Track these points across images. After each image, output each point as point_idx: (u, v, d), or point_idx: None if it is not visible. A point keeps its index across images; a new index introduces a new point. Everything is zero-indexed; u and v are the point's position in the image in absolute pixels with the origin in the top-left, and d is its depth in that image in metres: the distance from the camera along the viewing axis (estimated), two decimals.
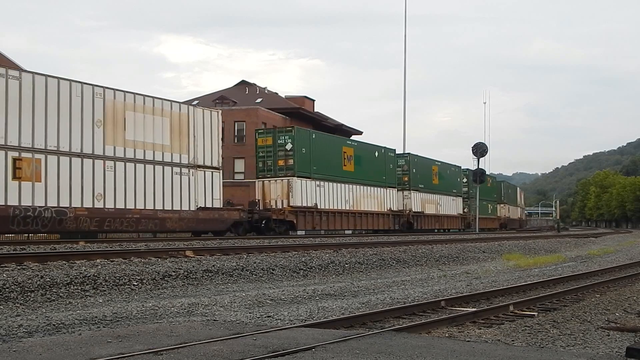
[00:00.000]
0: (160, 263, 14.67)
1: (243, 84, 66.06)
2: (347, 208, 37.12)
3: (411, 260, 20.82)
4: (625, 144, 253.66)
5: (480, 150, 54.01)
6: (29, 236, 24.43)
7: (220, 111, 29.55)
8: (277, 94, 65.82)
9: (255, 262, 16.14)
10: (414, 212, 45.20)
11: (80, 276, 12.15)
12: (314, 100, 67.19)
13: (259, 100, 60.12)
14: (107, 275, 12.59)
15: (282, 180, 32.80)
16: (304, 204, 33.06)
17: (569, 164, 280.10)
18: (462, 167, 57.16)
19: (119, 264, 14.02)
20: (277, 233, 30.88)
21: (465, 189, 57.64)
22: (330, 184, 35.62)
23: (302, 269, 16.55)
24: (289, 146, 32.91)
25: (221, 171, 28.78)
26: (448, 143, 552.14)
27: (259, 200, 32.46)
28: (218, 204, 28.17)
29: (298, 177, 32.81)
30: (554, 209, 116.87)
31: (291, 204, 32.21)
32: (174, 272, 13.82)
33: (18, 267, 12.59)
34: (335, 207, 35.88)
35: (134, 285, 12.54)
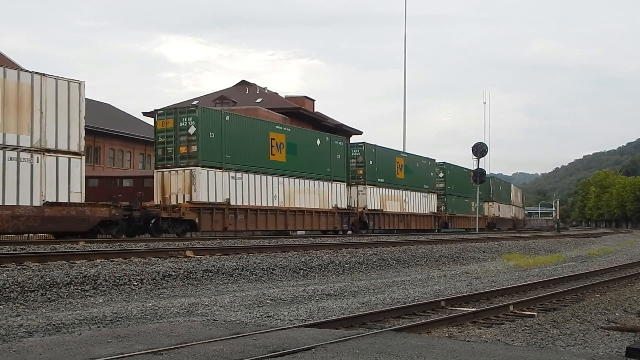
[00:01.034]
0: (160, 263, 14.67)
1: (243, 84, 66.07)
2: (276, 205, 31.17)
3: (411, 260, 20.82)
4: (625, 144, 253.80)
5: (480, 150, 53.99)
6: (29, 236, 24.41)
7: (82, 83, 23.07)
8: (277, 94, 65.83)
9: (255, 262, 16.14)
10: (370, 210, 39.39)
11: (80, 276, 12.15)
12: (314, 100, 67.18)
13: (259, 100, 60.13)
14: (107, 275, 12.59)
15: (183, 170, 27.16)
16: (212, 200, 27.46)
17: (569, 164, 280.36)
18: (436, 160, 51.56)
19: (119, 264, 14.02)
20: (176, 235, 26.06)
21: (442, 185, 52.12)
22: (251, 176, 29.77)
23: (302, 269, 16.55)
24: (192, 130, 27.16)
25: (83, 157, 23.04)
26: (448, 143, 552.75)
27: (141, 194, 26.66)
28: (78, 198, 22.49)
29: (203, 166, 27.18)
30: (554, 209, 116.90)
31: (194, 200, 26.72)
32: (174, 272, 13.82)
33: (18, 267, 12.59)
34: (258, 204, 30.03)
35: (134, 285, 12.54)
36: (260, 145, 30.90)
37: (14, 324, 8.43)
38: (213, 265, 14.97)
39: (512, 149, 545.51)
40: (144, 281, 12.87)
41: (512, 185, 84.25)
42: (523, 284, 14.40)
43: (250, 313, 9.72)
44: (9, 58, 40.78)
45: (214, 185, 27.77)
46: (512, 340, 8.20)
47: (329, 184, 35.84)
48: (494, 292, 12.70)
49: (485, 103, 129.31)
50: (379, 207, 40.56)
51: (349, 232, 36.73)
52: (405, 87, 79.50)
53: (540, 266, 20.74)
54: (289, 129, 34.41)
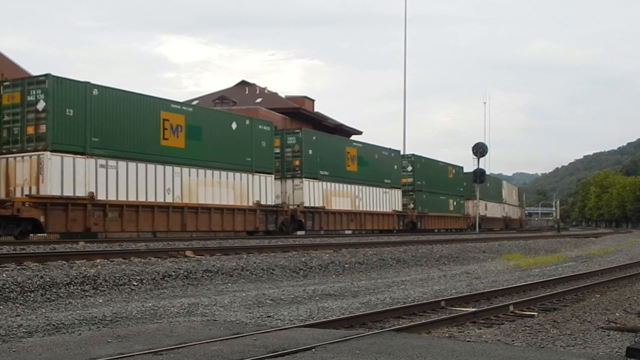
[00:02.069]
0: (160, 263, 14.67)
1: (243, 84, 66.06)
2: (169, 201, 25.43)
3: (411, 260, 20.82)
4: (625, 144, 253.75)
5: (480, 150, 53.98)
6: (28, 236, 24.33)
7: None
8: (277, 94, 65.81)
9: (255, 262, 16.14)
10: (308, 207, 33.58)
11: (80, 276, 12.14)
12: (313, 100, 67.15)
13: (259, 100, 60.12)
14: (107, 275, 12.59)
15: (30, 156, 21.67)
16: (68, 194, 21.95)
17: (569, 164, 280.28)
18: (401, 152, 45.89)
19: (119, 264, 14.01)
20: (13, 237, 20.98)
21: (410, 180, 46.11)
22: (131, 164, 24.17)
23: (302, 269, 16.55)
24: (40, 105, 21.64)
25: None
26: (448, 143, 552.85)
27: None
28: None
29: (55, 151, 21.68)
30: (554, 209, 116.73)
31: (41, 193, 21.25)
32: (174, 272, 13.81)
33: (18, 267, 12.58)
34: (142, 199, 24.41)
35: (134, 285, 12.53)
36: (148, 128, 24.84)
37: (14, 324, 8.43)
38: (213, 265, 14.97)
39: (512, 149, 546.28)
40: (144, 281, 12.87)
41: (505, 183, 77.24)
42: (523, 284, 14.39)
43: (250, 313, 9.72)
44: (9, 58, 40.73)
45: (71, 175, 22.15)
46: (512, 340, 8.19)
47: (249, 176, 29.56)
48: (494, 292, 12.70)
49: (485, 103, 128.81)
50: (320, 204, 34.57)
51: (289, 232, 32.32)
52: (405, 87, 79.78)
53: (540, 266, 20.73)
54: (191, 109, 27.86)
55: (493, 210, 65.13)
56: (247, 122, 30.40)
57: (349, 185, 37.60)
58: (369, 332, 7.79)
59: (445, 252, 23.69)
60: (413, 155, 47.70)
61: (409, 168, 46.27)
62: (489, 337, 8.44)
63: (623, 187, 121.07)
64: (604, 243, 40.79)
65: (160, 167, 25.28)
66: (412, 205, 45.81)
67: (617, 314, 10.78)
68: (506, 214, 71.58)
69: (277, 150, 33.04)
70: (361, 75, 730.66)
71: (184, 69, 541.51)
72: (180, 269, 14.15)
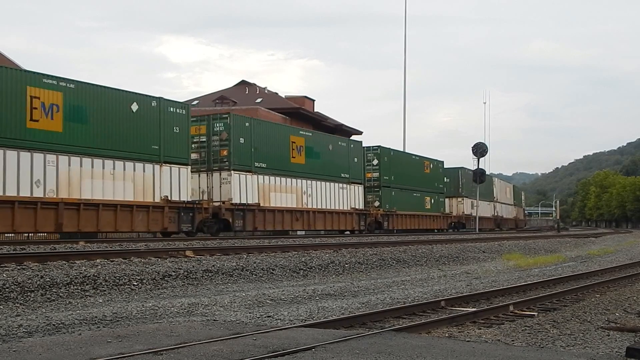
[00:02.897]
0: (160, 263, 14.67)
1: (243, 84, 66.07)
2: (39, 196, 21.03)
3: (411, 260, 20.82)
4: (625, 144, 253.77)
5: (480, 150, 53.93)
6: (29, 236, 24.36)
7: None
8: (277, 94, 65.81)
9: (255, 262, 16.14)
10: (237, 204, 28.47)
11: (80, 276, 12.15)
12: (314, 100, 67.16)
13: (259, 100, 60.13)
14: (107, 275, 12.59)
15: None
16: None
17: (569, 164, 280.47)
18: (363, 144, 40.61)
19: (119, 264, 14.02)
20: None
21: (376, 175, 41.30)
22: None
23: (302, 269, 16.55)
24: None
25: None
26: (448, 143, 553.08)
27: None
28: None
29: None
30: (554, 209, 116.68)
31: None
32: (174, 272, 13.82)
33: (18, 267, 12.58)
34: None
35: (134, 285, 12.54)
36: (7, 106, 20.59)
37: (14, 324, 8.43)
38: (213, 265, 14.98)
39: (512, 149, 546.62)
40: (144, 281, 12.87)
41: (497, 180, 70.64)
42: (523, 284, 14.40)
43: (250, 313, 9.72)
44: (10, 58, 40.76)
45: None
46: (512, 340, 8.19)
47: (156, 167, 25.26)
48: (494, 292, 12.70)
49: (485, 103, 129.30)
50: (254, 201, 29.54)
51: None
52: (405, 87, 79.50)
53: (540, 266, 20.74)
54: (73, 85, 22.56)
55: (482, 209, 59.38)
56: (154, 103, 25.53)
57: (294, 180, 32.48)
58: (369, 332, 7.80)
59: (445, 252, 23.69)
60: (379, 147, 41.92)
61: (375, 162, 41.21)
62: (488, 337, 8.44)
63: (623, 187, 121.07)
64: (604, 243, 40.80)
65: (25, 154, 20.82)
66: (377, 203, 40.62)
67: (617, 314, 10.78)
68: (497, 213, 66.82)
69: (203, 139, 28.89)
70: (361, 75, 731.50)
71: (184, 69, 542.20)
72: (180, 269, 14.16)
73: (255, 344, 6.79)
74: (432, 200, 48.55)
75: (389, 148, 43.42)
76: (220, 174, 28.72)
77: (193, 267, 14.54)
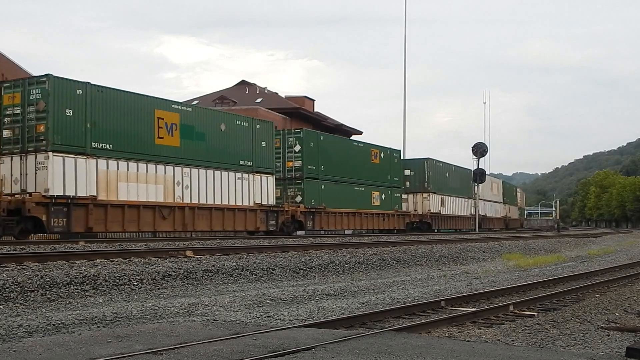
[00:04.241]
0: (160, 263, 14.67)
1: (243, 84, 66.08)
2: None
3: (411, 260, 20.82)
4: (625, 144, 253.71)
5: (480, 150, 53.86)
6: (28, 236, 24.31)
7: None
8: (277, 94, 65.82)
9: (255, 262, 16.14)
10: (54, 197, 21.20)
11: (80, 276, 12.14)
12: (314, 100, 67.16)
13: (259, 100, 60.15)
14: (107, 275, 12.59)
15: None
16: None
17: (569, 164, 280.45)
18: (274, 124, 33.69)
19: (119, 264, 14.01)
20: None
21: (298, 163, 33.58)
22: None
23: (302, 269, 16.55)
24: None
25: None
26: (448, 143, 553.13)
27: None
28: None
29: None
30: (554, 209, 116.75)
31: None
32: (174, 272, 13.81)
33: (18, 267, 12.58)
34: None
35: (134, 285, 12.53)
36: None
37: (14, 324, 8.43)
38: (213, 265, 14.97)
39: (512, 149, 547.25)
40: (144, 281, 12.87)
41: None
42: (523, 284, 14.39)
43: (250, 313, 9.72)
44: (10, 58, 40.73)
45: None
46: (512, 340, 8.19)
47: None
48: (494, 292, 12.70)
49: (485, 103, 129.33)
50: (90, 193, 22.38)
51: None
52: (405, 88, 79.54)
53: (540, 266, 20.73)
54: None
55: (456, 206, 52.72)
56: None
57: (160, 167, 25.19)
58: (369, 332, 7.79)
59: (445, 252, 23.69)
60: (303, 130, 35.03)
61: (297, 148, 33.70)
62: (488, 337, 8.44)
63: (623, 187, 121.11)
64: (604, 243, 40.79)
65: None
66: (300, 198, 33.45)
67: (617, 314, 10.78)
68: (478, 212, 57.86)
69: (18, 110, 21.81)
70: (361, 75, 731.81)
71: (184, 69, 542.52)
72: (180, 268, 14.15)
73: (255, 344, 6.79)
74: (383, 196, 40.94)
75: (316, 132, 37.33)
76: (35, 157, 21.47)
77: (193, 267, 14.53)
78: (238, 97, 60.33)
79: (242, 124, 29.74)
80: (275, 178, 32.05)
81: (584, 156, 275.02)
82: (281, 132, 34.36)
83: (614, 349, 7.83)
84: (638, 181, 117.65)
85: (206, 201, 27.19)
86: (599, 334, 8.91)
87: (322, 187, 35.10)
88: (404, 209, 44.83)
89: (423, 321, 9.13)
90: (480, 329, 9.10)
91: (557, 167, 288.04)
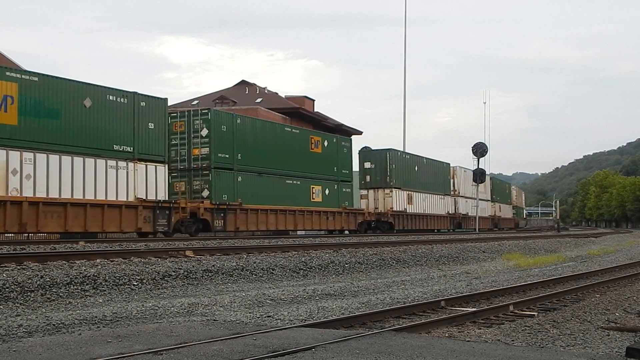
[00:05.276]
0: (160, 263, 14.67)
1: (243, 84, 66.07)
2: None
3: (411, 260, 20.82)
4: (625, 144, 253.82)
5: (480, 150, 53.79)
6: (29, 236, 24.32)
7: None
8: (277, 93, 65.79)
9: (255, 262, 16.14)
10: None
11: (80, 276, 12.14)
12: (314, 100, 67.12)
13: (259, 100, 60.14)
14: (107, 275, 12.59)
15: None
16: None
17: (569, 164, 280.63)
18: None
19: (119, 264, 14.01)
20: None
21: (205, 150, 27.89)
22: None
23: (302, 269, 16.55)
24: None
25: None
26: (448, 143, 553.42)
27: None
28: None
29: None
30: (554, 209, 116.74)
31: None
32: (174, 272, 13.82)
33: (18, 267, 12.58)
34: None
35: (134, 285, 12.53)
36: None
37: (14, 324, 8.43)
38: (213, 265, 14.97)
39: (512, 149, 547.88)
40: (144, 281, 12.87)
41: (459, 169, 54.53)
42: (523, 284, 14.39)
43: (250, 313, 9.72)
44: (10, 58, 40.76)
45: None
46: (512, 340, 8.19)
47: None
48: (494, 292, 12.70)
49: (485, 103, 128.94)
50: None
51: None
52: (405, 88, 79.53)
53: (540, 266, 20.73)
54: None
55: (428, 204, 46.47)
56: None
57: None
58: (369, 332, 7.79)
59: (445, 252, 23.69)
60: (211, 110, 28.99)
61: (204, 132, 27.96)
62: (488, 337, 8.44)
63: (623, 187, 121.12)
64: (604, 243, 40.79)
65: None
66: (207, 192, 27.76)
67: (617, 314, 10.78)
68: (457, 210, 52.61)
69: None
70: (361, 76, 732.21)
71: (184, 69, 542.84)
72: (180, 268, 14.16)
73: (255, 343, 6.79)
74: (327, 191, 34.98)
75: (232, 114, 30.67)
76: None
77: (193, 267, 14.53)
78: (238, 97, 60.34)
79: (117, 100, 23.87)
80: (180, 169, 27.76)
81: (584, 156, 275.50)
82: (186, 112, 28.56)
83: (614, 349, 7.83)
84: (638, 181, 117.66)
85: (59, 195, 21.42)
86: (599, 334, 8.91)
87: (239, 179, 29.15)
88: (362, 206, 40.07)
89: (423, 321, 9.13)
90: (480, 329, 9.10)
91: (557, 167, 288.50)
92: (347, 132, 62.86)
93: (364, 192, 41.40)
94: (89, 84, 23.38)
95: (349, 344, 6.85)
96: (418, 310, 10.35)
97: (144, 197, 24.19)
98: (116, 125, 23.66)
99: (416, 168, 45.20)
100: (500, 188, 70.25)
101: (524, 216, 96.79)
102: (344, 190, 36.70)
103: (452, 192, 51.84)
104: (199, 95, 64.22)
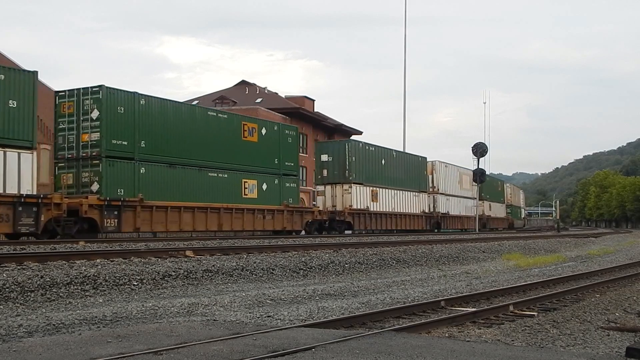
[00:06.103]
0: (160, 263, 14.67)
1: (243, 84, 66.12)
2: None
3: (411, 260, 20.82)
4: (625, 144, 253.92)
5: (480, 150, 53.78)
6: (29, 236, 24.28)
7: None
8: (277, 94, 65.83)
9: (255, 262, 16.14)
10: None
11: (80, 276, 12.14)
12: (313, 100, 67.15)
13: (259, 100, 60.17)
14: (107, 275, 12.59)
15: None
16: None
17: (569, 164, 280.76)
18: (36, 73, 20.94)
19: (119, 264, 14.01)
20: None
21: (95, 137, 23.43)
22: None
23: (302, 269, 16.55)
24: None
25: None
26: (448, 143, 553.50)
27: None
28: None
29: None
30: (554, 209, 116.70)
31: None
32: (174, 272, 13.81)
33: (18, 267, 12.58)
34: None
35: (134, 285, 12.53)
36: None
37: (14, 324, 8.43)
38: (213, 265, 14.97)
39: (512, 149, 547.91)
40: (144, 281, 12.87)
41: (438, 163, 50.09)
42: (523, 284, 14.40)
43: (250, 313, 9.72)
44: (10, 59, 40.77)
45: None
46: (512, 340, 8.19)
47: None
48: (494, 292, 12.70)
49: (485, 103, 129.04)
50: None
51: None
52: (405, 88, 79.51)
53: (540, 266, 20.73)
54: None
55: (398, 201, 42.06)
56: None
57: None
58: (369, 332, 7.79)
59: (445, 252, 23.69)
60: (102, 87, 23.59)
61: (94, 114, 23.47)
62: (488, 337, 8.44)
63: (623, 187, 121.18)
64: (604, 243, 40.79)
65: None
66: (97, 186, 23.27)
67: (617, 314, 10.79)
68: (434, 209, 48.35)
69: None
70: (361, 76, 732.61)
71: (185, 69, 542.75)
72: (180, 268, 14.15)
73: (255, 343, 6.79)
74: (265, 186, 30.52)
75: (134, 93, 24.88)
76: None
77: (193, 267, 14.53)
78: (238, 97, 60.36)
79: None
80: (67, 158, 23.67)
81: (584, 156, 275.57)
82: (75, 91, 23.86)
83: (614, 349, 7.83)
84: (638, 181, 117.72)
85: None
86: (599, 334, 8.91)
87: (142, 171, 24.66)
88: (319, 203, 36.79)
89: (423, 321, 9.13)
90: (480, 329, 9.10)
91: (557, 167, 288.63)
92: (347, 132, 62.89)
93: (320, 188, 37.56)
94: None
95: (349, 344, 6.85)
96: (418, 310, 10.35)
97: (2, 192, 19.52)
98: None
99: (383, 162, 40.39)
100: (491, 185, 65.04)
101: (522, 216, 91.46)
102: (287, 185, 32.01)
103: (430, 189, 47.87)
104: (199, 95, 64.24)
